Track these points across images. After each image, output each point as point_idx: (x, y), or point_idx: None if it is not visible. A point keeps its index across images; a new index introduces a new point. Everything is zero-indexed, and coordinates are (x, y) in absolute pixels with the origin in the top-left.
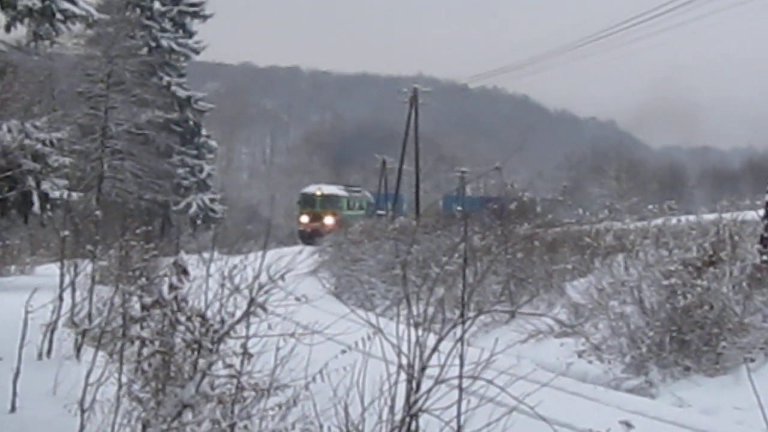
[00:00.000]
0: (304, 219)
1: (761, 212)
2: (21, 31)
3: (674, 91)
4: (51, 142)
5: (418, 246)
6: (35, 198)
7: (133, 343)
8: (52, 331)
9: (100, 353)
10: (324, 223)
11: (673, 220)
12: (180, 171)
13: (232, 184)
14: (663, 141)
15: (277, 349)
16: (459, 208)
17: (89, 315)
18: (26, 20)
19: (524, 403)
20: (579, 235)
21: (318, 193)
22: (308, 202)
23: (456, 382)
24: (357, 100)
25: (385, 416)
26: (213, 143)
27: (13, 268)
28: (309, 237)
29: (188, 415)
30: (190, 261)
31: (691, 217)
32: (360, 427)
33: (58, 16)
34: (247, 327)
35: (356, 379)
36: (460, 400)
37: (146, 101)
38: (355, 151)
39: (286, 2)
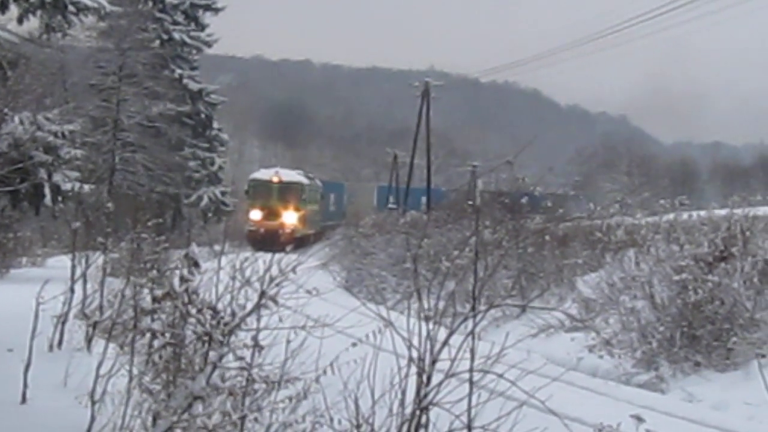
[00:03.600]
0: (255, 215)
1: None
2: (33, 23)
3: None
4: (63, 135)
5: (429, 240)
6: (47, 190)
7: (144, 335)
8: (63, 323)
9: (111, 345)
10: (283, 222)
11: (685, 216)
12: (191, 164)
13: (243, 177)
14: (674, 136)
15: (288, 341)
16: (393, 201)
17: (100, 307)
18: (39, 12)
19: (535, 398)
20: (590, 230)
21: (275, 179)
22: (261, 193)
23: (466, 375)
24: (368, 93)
25: (395, 409)
26: (224, 136)
27: (24, 259)
28: (262, 241)
29: (199, 408)
30: (201, 253)
31: (703, 213)
32: (370, 420)
33: (71, 8)
34: (258, 319)
35: (367, 372)
36: (470, 394)
37: (158, 94)
38: (366, 145)
39: None
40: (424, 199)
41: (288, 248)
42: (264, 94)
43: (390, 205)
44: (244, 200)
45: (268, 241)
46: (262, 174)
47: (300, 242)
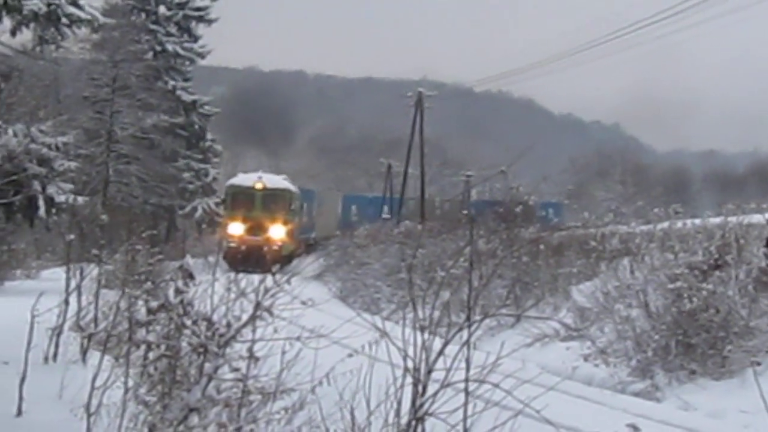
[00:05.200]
0: (235, 229)
1: (767, 215)
2: (26, 35)
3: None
4: (56, 147)
5: (424, 250)
6: (41, 202)
7: (139, 347)
8: (58, 335)
9: (106, 357)
10: (269, 237)
11: (679, 224)
12: (185, 175)
13: None
14: (668, 145)
15: (283, 352)
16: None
17: (95, 319)
18: (32, 24)
19: (530, 407)
20: (585, 239)
21: (258, 186)
22: (241, 202)
23: (462, 385)
24: (362, 104)
25: (391, 420)
26: (218, 147)
27: (18, 272)
28: (244, 260)
29: (194, 419)
30: (196, 265)
31: (697, 221)
32: (366, 431)
33: (64, 20)
34: (253, 331)
35: (362, 382)
36: (466, 404)
37: (151, 105)
38: (360, 155)
39: (291, 7)
40: (386, 209)
41: (274, 269)
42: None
43: (384, 215)
44: (220, 211)
45: (252, 260)
46: (243, 179)
47: (287, 261)
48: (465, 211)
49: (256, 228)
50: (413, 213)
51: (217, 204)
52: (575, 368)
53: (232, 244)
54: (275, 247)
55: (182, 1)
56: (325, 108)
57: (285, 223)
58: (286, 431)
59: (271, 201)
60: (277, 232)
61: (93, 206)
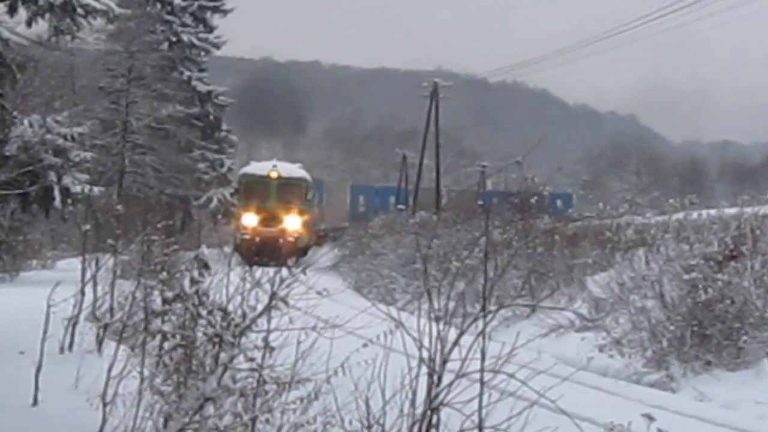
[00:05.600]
0: (249, 220)
1: None
2: (42, 26)
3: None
4: (72, 137)
5: (439, 240)
6: (56, 193)
7: (154, 337)
8: (74, 325)
9: (122, 347)
10: (284, 228)
11: (694, 215)
12: (200, 165)
13: None
14: (683, 135)
15: (299, 342)
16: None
17: (111, 309)
18: (47, 15)
19: (545, 397)
20: (600, 230)
21: (273, 175)
22: (255, 192)
23: (477, 376)
24: (377, 94)
25: (406, 410)
26: (233, 138)
27: (34, 262)
28: (258, 252)
29: (210, 409)
30: (211, 255)
31: (712, 212)
32: (381, 421)
33: (79, 11)
34: (269, 321)
35: (377, 372)
36: (481, 394)
37: (167, 96)
38: (375, 145)
39: None
40: (392, 199)
41: (290, 262)
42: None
43: (399, 206)
44: (234, 201)
45: (266, 252)
46: (257, 168)
47: (303, 254)
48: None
49: (270, 219)
50: (427, 203)
51: (231, 194)
52: (590, 359)
53: (246, 236)
54: (291, 239)
55: None
56: (341, 98)
57: (301, 213)
58: (301, 421)
59: (287, 190)
60: (293, 223)
61: (108, 197)
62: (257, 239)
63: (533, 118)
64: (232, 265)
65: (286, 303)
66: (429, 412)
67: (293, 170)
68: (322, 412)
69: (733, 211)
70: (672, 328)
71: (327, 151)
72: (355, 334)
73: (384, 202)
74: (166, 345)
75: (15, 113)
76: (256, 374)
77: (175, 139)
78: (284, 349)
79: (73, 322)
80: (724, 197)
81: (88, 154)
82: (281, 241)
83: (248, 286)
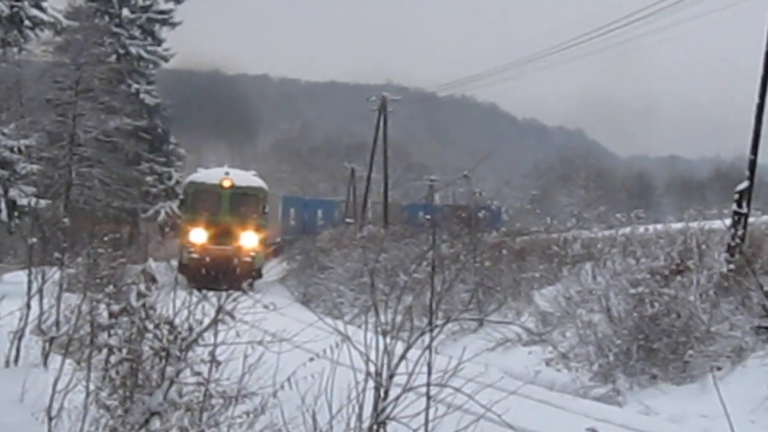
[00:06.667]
0: (198, 237)
1: (728, 221)
2: None
3: (640, 100)
4: (19, 149)
5: (387, 254)
6: (2, 205)
7: (100, 350)
8: (20, 339)
9: (68, 361)
10: (240, 246)
11: (641, 229)
12: (148, 178)
13: None
14: (630, 150)
15: (245, 356)
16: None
17: (57, 322)
18: None
19: (492, 411)
20: (547, 244)
21: (226, 184)
22: (204, 203)
23: (424, 390)
24: (326, 108)
25: (353, 424)
26: (181, 151)
27: None
28: (208, 274)
29: (156, 423)
30: (158, 269)
31: (659, 226)
32: None
33: (27, 22)
34: (215, 334)
35: (324, 386)
36: (428, 408)
37: (115, 109)
38: (324, 159)
39: (255, 11)
40: (320, 213)
41: (246, 285)
42: (221, 106)
43: (347, 220)
44: (178, 214)
45: (218, 274)
46: (206, 176)
47: (259, 275)
48: (428, 216)
49: (223, 235)
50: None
51: (178, 206)
52: (537, 373)
53: (194, 255)
54: (247, 259)
55: (146, 5)
56: (290, 111)
57: (258, 229)
58: None
59: (242, 202)
60: (250, 240)
61: (55, 209)
62: (207, 259)
63: (482, 133)
64: (178, 291)
65: (232, 317)
66: (376, 426)
67: (249, 179)
68: (268, 426)
69: (679, 225)
70: (618, 342)
71: (276, 164)
72: (303, 348)
73: (313, 215)
74: (113, 359)
75: None
76: (203, 388)
77: (122, 152)
78: (231, 363)
79: (19, 335)
80: (671, 212)
81: (35, 167)
82: (236, 261)
83: (195, 299)
